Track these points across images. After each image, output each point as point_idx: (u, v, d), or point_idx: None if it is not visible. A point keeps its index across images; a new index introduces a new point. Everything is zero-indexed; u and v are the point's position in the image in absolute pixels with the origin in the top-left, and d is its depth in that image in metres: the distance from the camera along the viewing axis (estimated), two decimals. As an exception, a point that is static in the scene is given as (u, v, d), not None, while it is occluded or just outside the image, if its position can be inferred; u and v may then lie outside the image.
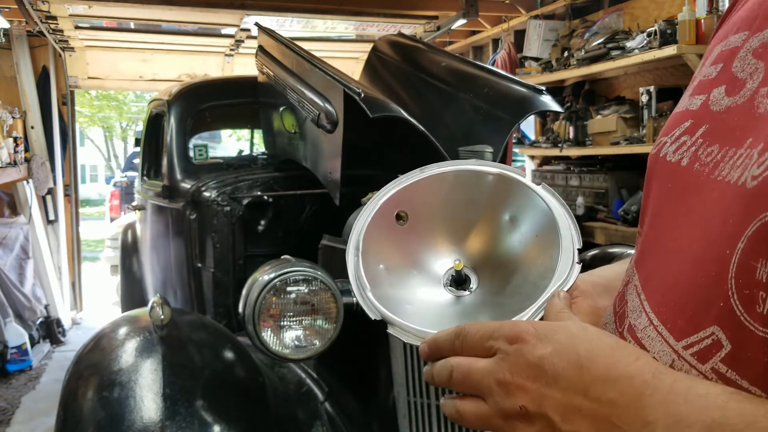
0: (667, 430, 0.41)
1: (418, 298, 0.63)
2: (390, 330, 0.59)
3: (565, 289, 0.58)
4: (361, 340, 1.68)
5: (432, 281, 0.63)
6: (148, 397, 1.48)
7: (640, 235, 0.59)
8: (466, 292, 0.63)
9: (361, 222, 0.64)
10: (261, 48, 2.58)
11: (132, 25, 5.34)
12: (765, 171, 0.43)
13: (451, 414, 0.53)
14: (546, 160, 4.46)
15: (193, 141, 3.01)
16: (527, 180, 0.64)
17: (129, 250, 4.07)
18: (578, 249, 0.59)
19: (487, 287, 0.62)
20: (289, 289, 1.56)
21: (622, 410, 0.44)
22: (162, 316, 1.63)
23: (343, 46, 5.57)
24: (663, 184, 0.54)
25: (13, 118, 4.69)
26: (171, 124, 2.80)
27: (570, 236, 0.60)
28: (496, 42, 5.10)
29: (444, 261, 0.64)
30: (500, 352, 0.49)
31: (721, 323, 0.43)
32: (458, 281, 0.63)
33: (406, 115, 1.81)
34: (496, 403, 0.49)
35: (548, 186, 0.64)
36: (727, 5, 2.91)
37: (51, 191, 5.28)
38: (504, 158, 2.16)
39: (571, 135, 3.92)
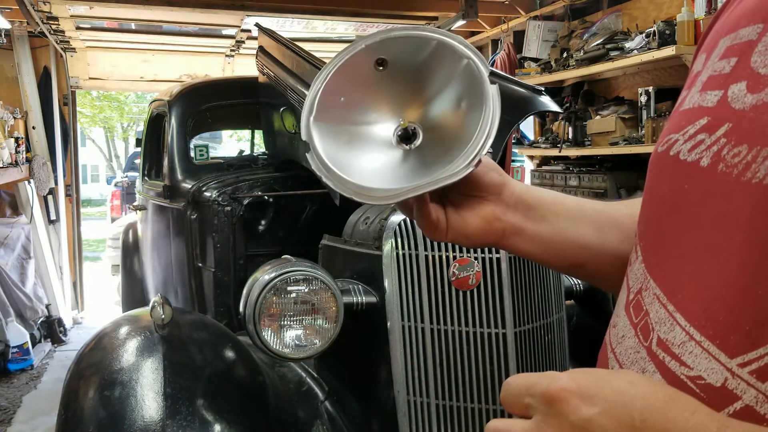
0: None
1: (364, 147, 0.67)
2: (308, 155, 0.64)
3: (455, 179, 0.60)
4: (361, 340, 1.68)
5: (382, 133, 0.67)
6: (149, 396, 1.49)
7: (640, 235, 0.57)
8: (408, 147, 0.66)
9: (341, 56, 0.67)
10: (261, 49, 2.59)
11: (133, 26, 5.35)
12: None
13: None
14: (545, 161, 4.47)
15: (194, 141, 3.02)
16: (462, 47, 0.66)
17: (130, 250, 4.08)
18: (480, 157, 0.62)
19: (424, 153, 0.66)
20: (289, 288, 1.57)
21: None
22: (163, 316, 1.64)
23: (343, 46, 5.55)
24: (677, 184, 0.51)
25: (15, 118, 4.70)
26: (172, 125, 2.81)
27: (483, 139, 0.62)
28: (495, 43, 5.11)
29: (397, 118, 0.68)
30: (538, 413, 0.45)
31: None
32: (406, 137, 0.66)
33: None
34: None
35: (485, 63, 0.67)
36: (726, 6, 2.92)
37: (52, 191, 5.29)
38: (504, 158, 2.17)
39: (570, 135, 3.93)
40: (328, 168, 0.63)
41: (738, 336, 0.43)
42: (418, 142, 0.66)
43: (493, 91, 0.64)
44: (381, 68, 0.66)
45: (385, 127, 0.67)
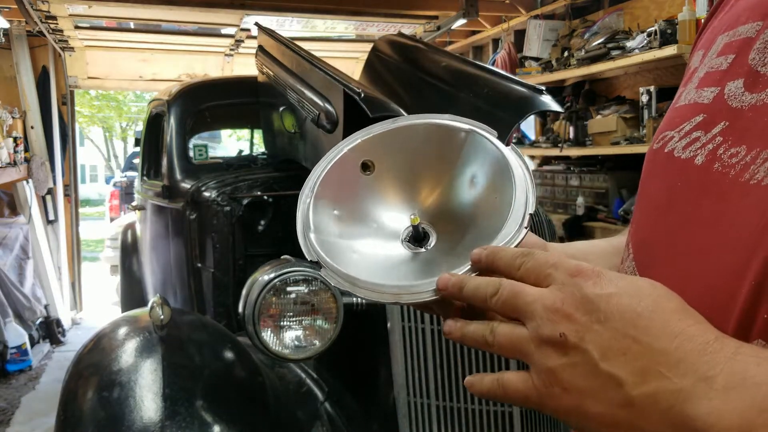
0: (730, 385, 0.37)
1: (369, 249, 0.60)
2: (321, 272, 0.58)
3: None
4: (361, 340, 1.68)
5: (387, 235, 0.61)
6: (148, 397, 1.48)
7: (632, 231, 0.56)
8: (423, 249, 0.60)
9: (322, 165, 0.62)
10: (261, 48, 2.58)
11: (132, 25, 5.34)
12: None
13: (482, 334, 0.48)
14: (546, 160, 4.46)
15: (193, 141, 3.01)
16: (495, 138, 0.62)
17: (129, 250, 4.07)
18: (530, 213, 0.57)
19: (443, 245, 0.60)
20: (289, 289, 1.56)
21: (675, 361, 0.39)
22: (162, 316, 1.63)
23: (343, 46, 5.57)
24: (671, 181, 0.51)
25: (13, 118, 4.69)
26: (171, 124, 2.80)
27: (524, 200, 0.57)
28: (496, 42, 5.10)
29: (403, 215, 0.62)
30: (557, 282, 0.45)
31: (766, 336, 0.40)
32: (417, 238, 0.60)
33: (406, 114, 1.81)
34: (535, 328, 0.44)
35: (517, 149, 0.63)
36: (727, 5, 2.92)
37: (51, 191, 5.28)
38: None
39: (571, 135, 3.92)
40: (354, 279, 0.56)
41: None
42: (432, 240, 0.60)
43: (508, 151, 0.60)
44: (368, 172, 0.61)
45: (391, 231, 0.61)
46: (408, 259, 0.60)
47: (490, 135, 0.61)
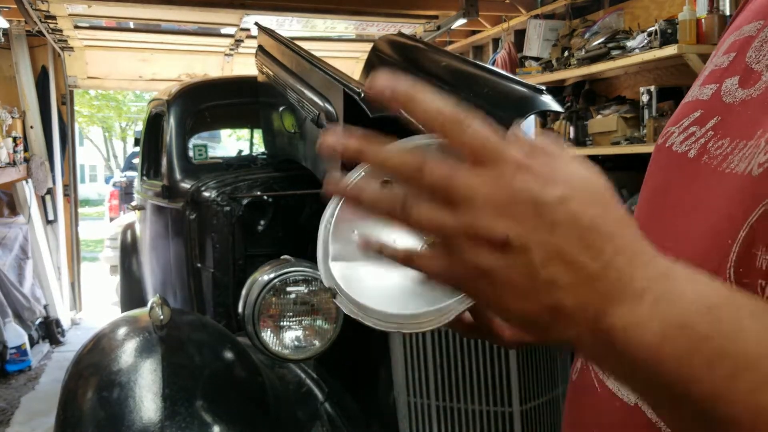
0: (659, 300, 0.37)
1: (385, 270, 0.60)
2: (336, 299, 0.59)
3: None
4: (361, 341, 1.67)
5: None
6: (147, 397, 1.48)
7: (636, 218, 0.58)
8: None
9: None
10: (261, 48, 2.57)
11: (131, 25, 5.33)
12: None
13: (392, 202, 0.42)
14: (546, 160, 4.45)
15: (193, 141, 3.00)
16: None
17: (128, 250, 4.07)
18: None
19: None
20: (288, 289, 1.56)
21: (614, 275, 0.38)
22: (161, 317, 1.63)
23: (343, 45, 5.57)
24: (667, 174, 0.53)
25: (13, 117, 4.69)
26: (170, 124, 2.80)
27: None
28: (496, 42, 5.10)
29: (419, 235, 0.63)
30: (501, 170, 0.39)
31: None
32: None
33: (406, 114, 1.81)
34: (471, 219, 0.39)
35: None
36: (728, 5, 2.92)
37: (50, 191, 5.27)
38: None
39: (572, 135, 3.92)
40: (364, 308, 0.57)
41: None
42: None
43: None
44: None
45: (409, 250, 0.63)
46: (423, 278, 0.61)
47: None
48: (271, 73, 2.40)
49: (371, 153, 0.43)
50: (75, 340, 4.98)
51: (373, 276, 0.60)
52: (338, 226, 0.62)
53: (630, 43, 3.26)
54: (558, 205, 0.39)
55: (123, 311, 3.92)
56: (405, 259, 0.44)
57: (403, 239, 0.62)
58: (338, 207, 0.62)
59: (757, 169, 0.42)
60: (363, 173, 0.63)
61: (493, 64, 4.44)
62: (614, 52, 3.35)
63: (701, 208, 0.47)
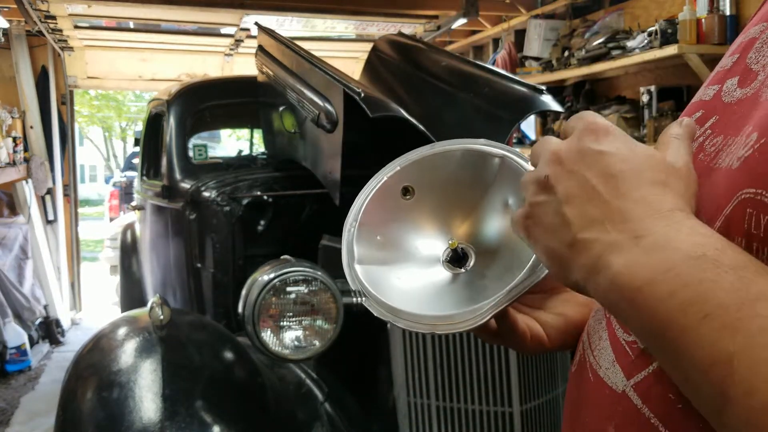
0: (653, 246, 0.40)
1: (410, 273, 0.62)
2: (364, 302, 0.59)
3: (539, 278, 0.56)
4: (361, 341, 1.67)
5: (428, 258, 0.63)
6: (147, 397, 1.48)
7: None
8: (462, 270, 0.61)
9: (365, 193, 0.64)
10: (261, 47, 2.57)
11: (131, 25, 5.33)
12: (748, 151, 0.43)
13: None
14: (546, 160, 4.45)
15: (193, 141, 3.00)
16: (528, 165, 0.63)
17: (128, 250, 4.07)
18: None
19: (482, 267, 0.61)
20: (288, 289, 1.56)
21: (621, 219, 0.43)
22: (161, 317, 1.63)
23: (343, 45, 5.56)
24: None
25: (12, 117, 4.69)
26: (170, 124, 2.79)
27: None
28: (496, 42, 5.10)
29: (442, 237, 0.64)
30: (573, 133, 0.49)
31: None
32: (456, 258, 0.62)
33: (406, 114, 1.81)
34: (537, 167, 0.49)
35: None
36: (728, 5, 2.91)
37: (50, 191, 5.27)
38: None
39: (572, 135, 3.91)
40: (395, 310, 0.58)
41: None
42: (471, 261, 0.61)
43: None
44: (408, 197, 0.64)
45: (431, 254, 0.63)
46: (448, 281, 0.61)
47: (522, 161, 0.62)
48: (271, 73, 2.40)
49: None
50: (75, 340, 4.98)
51: (399, 278, 0.61)
52: (361, 230, 0.62)
53: (630, 43, 3.26)
54: (597, 155, 0.45)
55: (123, 311, 3.92)
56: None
57: (426, 245, 0.63)
58: (361, 211, 0.63)
59: (737, 162, 0.44)
60: (392, 173, 0.64)
61: (493, 64, 4.44)
62: (614, 52, 3.35)
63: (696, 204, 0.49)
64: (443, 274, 0.61)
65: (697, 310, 0.36)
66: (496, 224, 0.63)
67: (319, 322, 1.58)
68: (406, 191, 0.64)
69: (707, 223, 0.44)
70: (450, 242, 0.61)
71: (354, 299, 1.60)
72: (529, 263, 0.55)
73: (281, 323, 1.56)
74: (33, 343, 4.66)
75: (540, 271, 0.55)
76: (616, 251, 0.42)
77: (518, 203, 0.62)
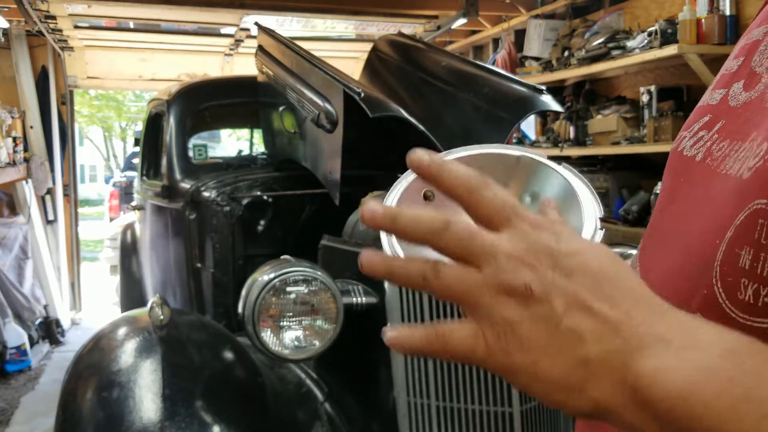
0: (684, 346, 0.37)
1: None
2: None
3: None
4: (362, 341, 1.67)
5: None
6: (147, 397, 1.48)
7: (650, 221, 0.61)
8: None
9: (391, 196, 0.64)
10: (261, 47, 2.57)
11: (131, 25, 5.33)
12: (759, 161, 0.43)
13: (421, 270, 0.43)
14: (546, 160, 4.45)
15: (193, 141, 3.00)
16: (545, 159, 0.65)
17: (128, 251, 4.07)
18: (599, 217, 0.59)
19: None
20: (288, 289, 1.56)
21: (636, 323, 0.39)
22: (161, 317, 1.63)
23: (342, 45, 5.56)
24: (676, 177, 0.55)
25: (12, 117, 4.68)
26: (170, 124, 2.79)
27: (592, 205, 0.59)
28: (496, 41, 5.10)
29: None
30: (517, 230, 0.42)
31: (703, 311, 0.43)
32: None
33: (405, 114, 1.81)
34: (494, 273, 0.40)
35: (569, 166, 0.65)
36: (728, 5, 2.91)
37: (50, 191, 5.27)
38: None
39: (572, 135, 3.92)
40: None
41: None
42: None
43: (564, 171, 0.62)
44: (428, 201, 0.63)
45: None
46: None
47: (539, 157, 0.64)
48: (271, 73, 2.40)
49: (400, 222, 0.43)
50: (75, 340, 4.97)
51: None
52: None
53: (630, 43, 3.26)
54: (575, 255, 0.41)
55: (123, 311, 3.91)
56: (431, 344, 0.44)
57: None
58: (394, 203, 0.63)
59: (747, 172, 0.44)
60: (412, 177, 0.63)
61: (493, 64, 4.43)
62: (614, 52, 3.35)
63: (699, 208, 0.49)
64: None
65: (753, 408, 0.34)
66: None
67: (319, 322, 1.58)
68: (425, 197, 0.63)
69: (716, 232, 0.44)
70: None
71: (354, 299, 1.60)
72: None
73: (281, 323, 1.56)
74: (33, 343, 4.66)
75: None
76: (643, 359, 0.37)
77: (534, 199, 0.62)
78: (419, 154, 0.44)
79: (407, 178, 0.64)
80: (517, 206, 0.43)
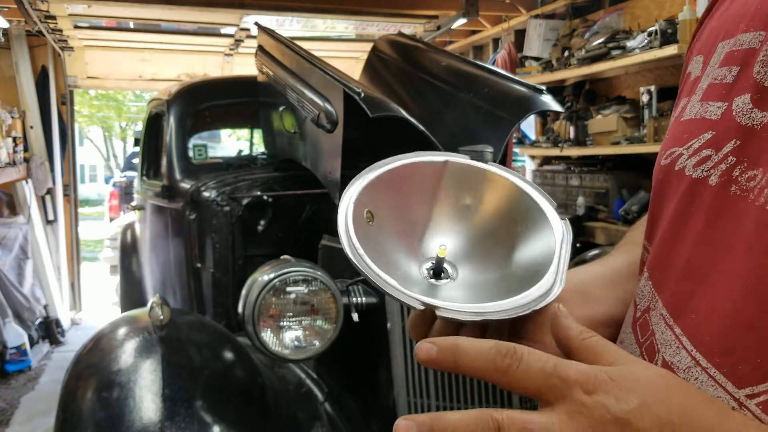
0: None
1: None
2: (443, 313, 0.54)
3: (551, 296, 0.53)
4: (361, 341, 1.67)
5: (414, 279, 0.60)
6: (147, 397, 1.48)
7: (647, 250, 0.55)
8: (448, 280, 0.58)
9: (343, 226, 0.58)
10: (260, 47, 2.57)
11: (131, 25, 5.33)
12: None
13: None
14: (546, 160, 4.46)
15: (193, 141, 3.00)
16: (474, 161, 0.62)
17: (128, 251, 4.07)
18: (557, 211, 0.58)
19: (466, 274, 0.59)
20: (288, 289, 1.56)
21: None
22: (161, 317, 1.63)
23: (342, 45, 5.56)
24: (684, 201, 0.50)
25: (12, 117, 4.68)
26: (170, 124, 2.79)
27: (544, 200, 0.58)
28: (496, 41, 5.10)
29: (415, 258, 0.60)
30: (573, 403, 0.40)
31: None
32: (437, 272, 0.59)
33: (405, 114, 1.81)
34: None
35: (496, 164, 0.63)
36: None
37: (50, 191, 5.27)
38: (504, 158, 2.15)
39: (572, 135, 3.92)
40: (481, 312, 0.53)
41: (747, 367, 0.42)
42: (448, 280, 0.58)
43: (497, 169, 0.60)
44: (371, 223, 0.59)
45: (414, 274, 0.59)
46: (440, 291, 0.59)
47: (469, 160, 0.62)
48: (271, 73, 2.40)
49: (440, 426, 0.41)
50: (75, 340, 4.98)
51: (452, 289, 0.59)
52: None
53: (630, 43, 3.26)
54: (640, 415, 0.39)
55: (123, 311, 3.91)
56: None
57: (406, 268, 0.59)
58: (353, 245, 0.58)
59: None
60: (352, 200, 0.58)
61: (493, 64, 4.43)
62: (614, 52, 3.35)
63: (737, 245, 0.44)
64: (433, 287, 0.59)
65: None
66: (462, 227, 0.61)
67: (319, 322, 1.58)
68: (368, 218, 0.59)
69: (760, 269, 0.40)
70: (440, 248, 0.58)
71: (354, 299, 1.60)
72: (542, 281, 0.53)
73: (281, 323, 1.56)
74: (33, 343, 4.66)
75: (553, 292, 0.53)
76: None
77: (473, 201, 0.61)
78: (425, 347, 0.43)
79: (348, 202, 0.58)
80: (560, 369, 0.40)
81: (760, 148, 0.44)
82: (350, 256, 0.54)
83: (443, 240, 0.60)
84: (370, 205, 0.59)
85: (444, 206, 0.61)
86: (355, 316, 0.85)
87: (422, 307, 0.51)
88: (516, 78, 2.31)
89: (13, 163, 4.45)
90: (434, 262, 0.59)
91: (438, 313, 0.52)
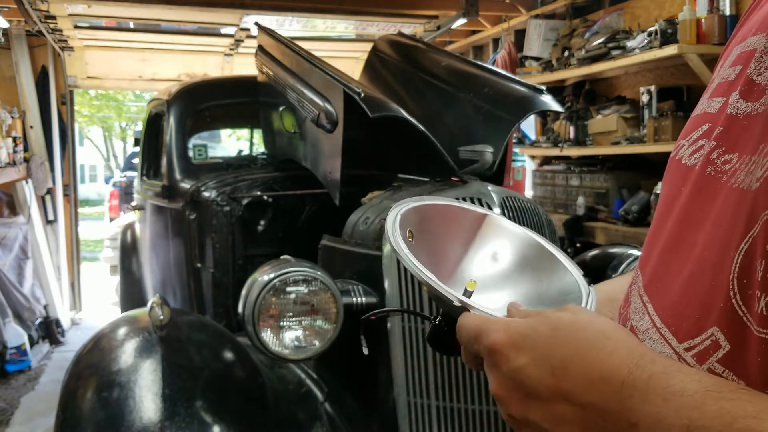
0: (669, 396, 0.42)
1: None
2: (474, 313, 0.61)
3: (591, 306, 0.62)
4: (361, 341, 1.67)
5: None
6: (147, 397, 1.48)
7: (650, 230, 0.60)
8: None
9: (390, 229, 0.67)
10: (261, 47, 2.57)
11: (131, 25, 5.33)
12: (767, 171, 0.43)
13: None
14: (546, 160, 4.46)
15: (193, 141, 3.00)
16: (514, 225, 0.72)
17: (128, 251, 4.07)
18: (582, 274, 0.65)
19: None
20: (288, 289, 1.56)
21: (606, 413, 0.45)
22: (161, 317, 1.63)
23: (343, 45, 5.56)
24: (675, 186, 0.55)
25: (12, 117, 4.68)
26: (170, 124, 2.79)
27: (574, 266, 0.67)
28: (496, 41, 5.10)
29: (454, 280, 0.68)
30: (485, 363, 0.53)
31: (720, 324, 0.44)
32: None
33: (405, 114, 1.81)
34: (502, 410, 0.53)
35: (530, 230, 0.71)
36: (728, 5, 2.91)
37: (50, 191, 5.27)
38: (504, 158, 2.15)
39: (572, 135, 3.92)
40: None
41: (688, 323, 0.47)
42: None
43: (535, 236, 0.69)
44: (411, 240, 0.67)
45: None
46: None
47: (510, 223, 0.71)
48: (271, 73, 2.40)
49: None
50: (75, 340, 4.97)
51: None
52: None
53: (630, 43, 3.26)
54: (522, 373, 0.49)
55: (123, 311, 3.91)
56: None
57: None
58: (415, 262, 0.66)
59: (755, 182, 0.44)
60: (400, 214, 0.67)
61: (493, 64, 4.43)
62: (614, 52, 3.35)
63: (704, 219, 0.49)
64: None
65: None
66: (491, 274, 0.69)
67: (319, 322, 1.58)
68: (409, 236, 0.68)
69: (728, 244, 0.44)
70: (469, 281, 0.66)
71: (354, 299, 1.60)
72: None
73: (281, 323, 1.56)
74: (33, 343, 4.66)
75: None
76: (636, 410, 0.43)
77: (503, 254, 0.70)
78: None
79: (400, 208, 0.68)
80: (475, 335, 0.54)
81: (738, 135, 0.48)
82: (395, 247, 0.63)
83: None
84: (413, 227, 0.68)
85: (476, 254, 0.70)
86: (366, 350, 0.88)
87: (458, 304, 0.58)
88: (516, 78, 2.31)
89: (13, 163, 4.45)
90: (462, 293, 0.65)
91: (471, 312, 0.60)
